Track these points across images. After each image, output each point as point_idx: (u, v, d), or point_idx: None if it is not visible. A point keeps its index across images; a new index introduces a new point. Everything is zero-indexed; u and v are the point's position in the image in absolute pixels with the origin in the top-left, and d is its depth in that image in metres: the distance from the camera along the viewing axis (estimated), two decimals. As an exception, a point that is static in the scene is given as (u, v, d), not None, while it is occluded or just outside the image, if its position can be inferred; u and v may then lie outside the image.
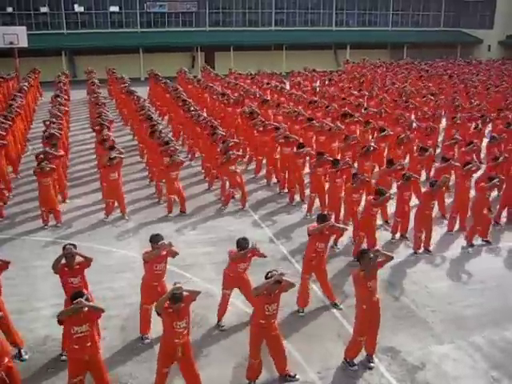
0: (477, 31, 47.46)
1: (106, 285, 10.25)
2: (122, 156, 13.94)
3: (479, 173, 13.69)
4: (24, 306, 9.49)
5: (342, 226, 10.23)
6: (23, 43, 34.16)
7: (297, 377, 7.75)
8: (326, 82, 30.73)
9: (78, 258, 8.16)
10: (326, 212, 11.62)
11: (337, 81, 31.10)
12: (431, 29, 48.65)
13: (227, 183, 14.73)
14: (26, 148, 20.25)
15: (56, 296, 8.60)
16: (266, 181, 16.53)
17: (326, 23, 46.30)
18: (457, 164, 13.73)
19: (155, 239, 8.40)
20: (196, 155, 18.41)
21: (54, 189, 13.53)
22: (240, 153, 16.00)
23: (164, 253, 8.41)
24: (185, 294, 6.86)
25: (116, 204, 13.82)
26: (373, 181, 13.75)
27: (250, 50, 42.85)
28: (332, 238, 10.85)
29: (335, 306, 9.59)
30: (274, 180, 16.34)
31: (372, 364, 8.02)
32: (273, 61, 42.96)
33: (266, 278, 7.32)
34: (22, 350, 8.18)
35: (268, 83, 28.42)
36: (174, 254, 8.56)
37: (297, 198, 15.00)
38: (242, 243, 8.61)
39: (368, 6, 47.17)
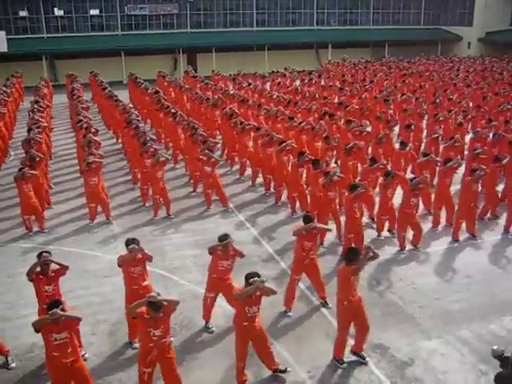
0: (456, 28, 47.90)
1: (93, 290, 10.19)
2: (101, 160, 13.90)
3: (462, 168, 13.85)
4: (10, 314, 9.41)
5: (324, 226, 10.27)
6: (2, 48, 33.88)
7: (288, 369, 7.79)
8: (306, 81, 30.72)
9: (54, 266, 8.07)
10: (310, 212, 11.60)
11: (317, 80, 31.11)
12: (412, 27, 49.01)
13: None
14: (8, 155, 20.05)
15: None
16: (250, 182, 16.53)
17: (307, 23, 46.43)
18: (437, 159, 13.87)
19: (127, 243, 8.41)
20: (179, 158, 18.33)
21: (35, 194, 13.29)
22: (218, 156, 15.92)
23: (139, 256, 8.35)
24: (164, 303, 6.80)
25: (100, 208, 13.74)
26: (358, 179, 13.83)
27: (232, 50, 42.85)
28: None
29: (325, 304, 9.60)
30: (260, 180, 16.30)
31: (364, 360, 8.07)
32: (255, 61, 43.00)
33: (246, 279, 7.31)
34: (8, 358, 8.10)
35: (249, 84, 28.31)
36: (150, 258, 8.52)
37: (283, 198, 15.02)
38: (221, 238, 8.62)
39: (349, 4, 47.40)
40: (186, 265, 11.33)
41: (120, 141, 20.46)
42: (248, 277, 7.32)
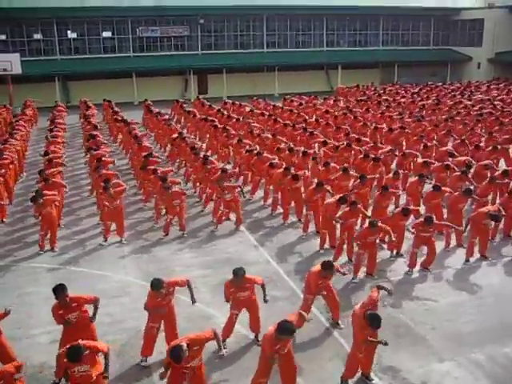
0: (466, 49, 47.96)
1: (103, 310, 10.10)
2: (123, 188, 14.12)
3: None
4: (19, 333, 9.39)
5: (342, 271, 10.03)
6: (17, 70, 34.29)
7: None
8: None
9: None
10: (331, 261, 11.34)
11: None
12: (421, 47, 49.14)
13: (221, 204, 14.77)
14: (21, 175, 20.23)
15: (52, 323, 8.49)
16: (262, 202, 16.55)
17: (317, 44, 46.71)
18: (447, 189, 13.91)
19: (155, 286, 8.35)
20: (190, 178, 18.39)
21: (54, 211, 13.48)
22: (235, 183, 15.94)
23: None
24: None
25: (112, 227, 13.80)
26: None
27: (242, 72, 43.16)
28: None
29: (336, 325, 9.52)
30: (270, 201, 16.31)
31: (372, 381, 7.96)
32: (266, 82, 43.26)
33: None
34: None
35: (262, 114, 27.20)
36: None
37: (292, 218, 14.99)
38: (235, 271, 8.64)
39: (358, 26, 47.68)
40: (195, 285, 11.26)
41: (130, 161, 20.58)
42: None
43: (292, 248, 13.28)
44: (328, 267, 9.06)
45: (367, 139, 20.48)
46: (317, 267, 9.24)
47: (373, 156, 16.73)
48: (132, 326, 9.21)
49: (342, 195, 12.78)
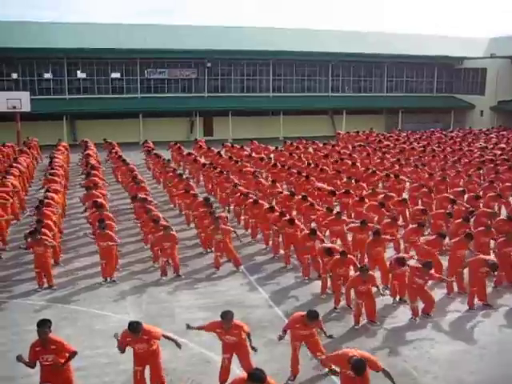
0: (469, 97, 48.57)
1: (102, 350, 10.03)
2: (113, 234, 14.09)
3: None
4: (15, 373, 9.22)
5: (325, 330, 9.66)
6: (26, 108, 34.80)
7: None
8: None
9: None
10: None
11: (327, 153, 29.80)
12: (425, 94, 49.79)
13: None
14: (23, 212, 20.27)
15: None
16: (264, 245, 16.52)
17: (322, 89, 47.37)
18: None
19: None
20: (191, 219, 18.37)
21: (47, 253, 13.41)
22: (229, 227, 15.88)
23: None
24: None
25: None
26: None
27: (248, 115, 43.67)
28: None
29: (334, 372, 9.35)
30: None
31: None
32: (271, 126, 43.72)
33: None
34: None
35: (262, 158, 27.02)
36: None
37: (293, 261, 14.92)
38: (223, 315, 8.60)
39: (363, 72, 48.48)
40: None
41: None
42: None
43: (293, 292, 13.16)
44: (312, 316, 8.93)
45: (363, 184, 20.60)
46: (296, 316, 9.18)
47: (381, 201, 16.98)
48: (130, 367, 9.05)
49: (328, 247, 12.87)
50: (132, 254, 15.79)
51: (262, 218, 16.30)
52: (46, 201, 16.73)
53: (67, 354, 8.06)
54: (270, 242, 16.07)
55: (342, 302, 12.10)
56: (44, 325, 8.05)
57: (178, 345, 8.70)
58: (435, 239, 13.43)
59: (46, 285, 13.23)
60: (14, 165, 23.18)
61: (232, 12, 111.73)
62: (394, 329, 11.11)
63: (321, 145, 32.65)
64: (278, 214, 15.51)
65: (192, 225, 18.00)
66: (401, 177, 21.70)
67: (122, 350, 8.46)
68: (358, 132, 39.21)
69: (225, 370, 8.78)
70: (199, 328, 9.07)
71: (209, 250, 15.78)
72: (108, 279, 13.68)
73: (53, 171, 21.84)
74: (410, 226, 15.27)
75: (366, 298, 11.19)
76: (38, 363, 8.06)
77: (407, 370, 9.53)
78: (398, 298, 12.41)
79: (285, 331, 9.12)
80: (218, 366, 9.26)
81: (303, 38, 48.54)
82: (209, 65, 43.64)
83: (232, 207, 19.53)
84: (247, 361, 8.77)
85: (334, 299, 12.17)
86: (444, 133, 39.80)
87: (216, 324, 8.75)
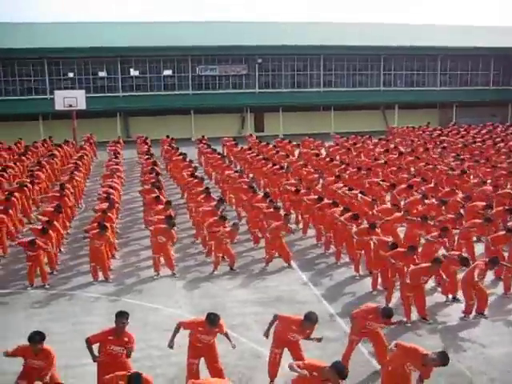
0: (527, 89, 47.01)
1: (154, 343, 10.21)
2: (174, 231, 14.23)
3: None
4: (72, 362, 9.51)
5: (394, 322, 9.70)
6: (82, 106, 35.74)
7: None
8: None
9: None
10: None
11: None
12: (480, 87, 48.32)
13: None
14: (80, 206, 20.88)
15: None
16: (315, 241, 16.45)
17: (373, 84, 46.68)
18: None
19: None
20: (242, 214, 18.51)
21: (104, 247, 13.83)
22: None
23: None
24: None
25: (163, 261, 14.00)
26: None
27: (298, 110, 43.52)
28: None
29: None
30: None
31: None
32: (321, 121, 43.43)
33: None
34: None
35: (317, 154, 26.68)
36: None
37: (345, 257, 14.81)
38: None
39: (416, 66, 47.40)
40: (247, 322, 11.22)
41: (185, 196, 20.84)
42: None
43: (345, 288, 13.07)
44: (387, 315, 8.81)
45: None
46: (370, 307, 9.08)
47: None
48: (181, 360, 9.18)
49: (393, 242, 12.59)
50: (186, 249, 16.00)
51: (319, 214, 16.14)
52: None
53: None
54: (323, 238, 15.99)
55: (393, 300, 11.92)
56: (122, 316, 8.17)
57: (233, 345, 8.70)
58: (504, 235, 13.10)
59: (101, 278, 13.57)
60: (79, 162, 24.00)
61: (282, 7, 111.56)
62: (447, 327, 10.88)
63: (376, 140, 32.33)
64: (341, 209, 15.30)
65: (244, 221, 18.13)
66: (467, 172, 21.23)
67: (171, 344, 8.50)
68: (413, 127, 38.51)
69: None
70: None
71: (257, 246, 15.86)
72: (172, 273, 13.93)
73: (115, 167, 22.43)
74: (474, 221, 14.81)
75: (418, 293, 10.99)
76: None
77: (461, 371, 9.30)
78: (451, 297, 12.14)
79: (353, 318, 9.11)
80: (268, 360, 9.30)
81: (354, 31, 48.00)
82: (259, 61, 43.68)
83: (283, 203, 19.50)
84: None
85: (386, 296, 11.99)
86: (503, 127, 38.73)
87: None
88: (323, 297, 12.53)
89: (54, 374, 7.98)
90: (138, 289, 13.16)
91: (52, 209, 15.89)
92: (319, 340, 8.66)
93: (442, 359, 7.46)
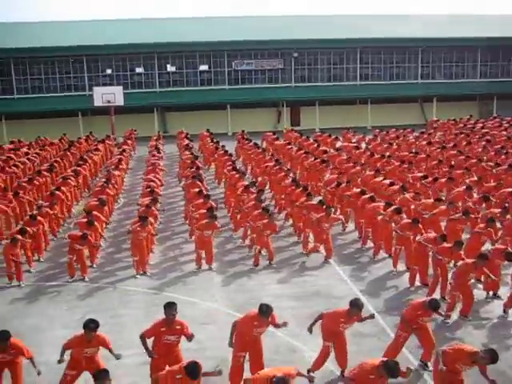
0: None
1: (190, 336, 10.29)
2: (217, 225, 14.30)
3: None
4: (109, 354, 9.66)
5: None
6: (119, 102, 36.30)
7: None
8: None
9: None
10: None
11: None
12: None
13: (311, 236, 14.75)
14: (118, 200, 21.21)
15: (141, 346, 8.67)
16: (357, 235, 16.35)
17: (411, 76, 45.90)
18: None
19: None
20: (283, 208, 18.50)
21: (146, 240, 14.06)
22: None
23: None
24: None
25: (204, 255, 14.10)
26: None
27: (335, 104, 43.21)
28: None
29: (425, 366, 9.11)
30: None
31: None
32: (358, 115, 43.03)
33: None
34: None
35: (357, 147, 26.96)
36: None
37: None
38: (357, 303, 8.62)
39: (455, 58, 46.41)
40: (283, 316, 11.16)
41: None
42: None
43: (382, 283, 12.95)
44: (434, 306, 8.75)
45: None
46: (416, 303, 9.00)
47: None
48: (218, 354, 9.26)
49: (443, 234, 12.35)
50: (223, 244, 16.08)
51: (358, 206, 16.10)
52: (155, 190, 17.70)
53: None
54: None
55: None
56: (171, 307, 8.29)
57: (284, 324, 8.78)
58: None
59: (140, 271, 13.78)
60: (121, 157, 24.44)
61: (316, 0, 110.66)
62: (487, 325, 10.66)
63: (417, 133, 31.89)
64: (383, 204, 15.18)
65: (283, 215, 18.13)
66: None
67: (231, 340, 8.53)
68: (455, 120, 37.77)
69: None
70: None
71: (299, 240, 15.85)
72: (209, 267, 14.06)
73: (156, 162, 22.73)
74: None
75: (466, 290, 10.81)
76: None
77: (501, 370, 9.08)
78: (491, 293, 11.90)
79: (404, 316, 9.06)
80: (304, 355, 9.31)
81: (390, 23, 47.32)
82: (295, 55, 43.52)
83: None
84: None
85: (428, 293, 11.81)
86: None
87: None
88: (361, 292, 12.43)
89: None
90: (176, 282, 13.31)
91: (96, 202, 16.28)
92: (372, 316, 9.06)
93: (492, 356, 7.35)
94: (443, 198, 16.38)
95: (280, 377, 6.62)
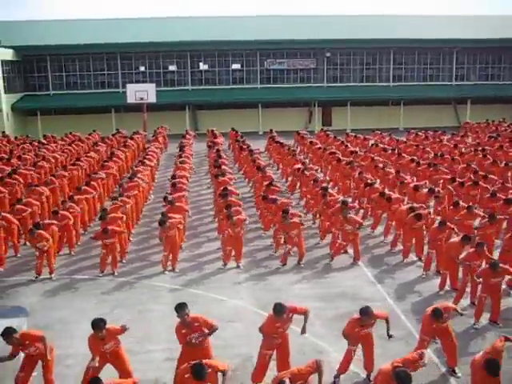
0: None
1: (217, 334, 10.32)
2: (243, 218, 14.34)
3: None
4: (137, 348, 9.79)
5: (460, 311, 9.65)
6: (152, 99, 36.70)
7: None
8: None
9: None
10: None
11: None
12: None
13: (339, 236, 14.66)
14: (149, 197, 21.42)
15: (168, 341, 8.79)
16: (382, 237, 16.20)
17: (445, 78, 45.27)
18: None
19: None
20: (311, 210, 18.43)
21: (177, 234, 14.20)
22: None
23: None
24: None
25: (233, 253, 14.15)
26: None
27: (367, 105, 42.88)
28: None
29: (453, 372, 8.98)
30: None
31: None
32: (390, 116, 42.65)
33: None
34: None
35: (385, 149, 26.30)
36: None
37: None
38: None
39: (491, 59, 45.58)
40: (309, 317, 11.15)
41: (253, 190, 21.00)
42: None
43: (411, 287, 12.79)
44: (438, 314, 8.62)
45: (495, 177, 19.41)
46: (425, 314, 8.91)
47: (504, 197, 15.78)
48: (244, 351, 9.28)
49: (465, 234, 12.16)
50: (250, 242, 16.09)
51: (387, 208, 15.97)
52: (178, 185, 17.87)
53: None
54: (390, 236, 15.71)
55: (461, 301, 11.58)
56: (182, 309, 8.24)
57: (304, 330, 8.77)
58: None
59: (169, 267, 13.89)
60: (148, 155, 24.65)
61: (350, 0, 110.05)
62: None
63: (449, 135, 31.44)
64: (406, 208, 14.92)
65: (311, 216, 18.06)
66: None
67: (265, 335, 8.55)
68: (488, 122, 37.09)
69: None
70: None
71: (325, 242, 15.76)
72: (237, 264, 14.11)
73: (183, 159, 22.87)
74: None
75: (494, 293, 10.62)
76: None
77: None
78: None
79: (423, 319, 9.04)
80: (330, 356, 9.26)
81: (424, 24, 46.72)
82: (328, 54, 43.36)
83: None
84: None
85: (455, 296, 11.64)
86: None
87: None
88: (388, 294, 12.32)
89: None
90: (203, 280, 13.38)
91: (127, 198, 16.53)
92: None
93: None
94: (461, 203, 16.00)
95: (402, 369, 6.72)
